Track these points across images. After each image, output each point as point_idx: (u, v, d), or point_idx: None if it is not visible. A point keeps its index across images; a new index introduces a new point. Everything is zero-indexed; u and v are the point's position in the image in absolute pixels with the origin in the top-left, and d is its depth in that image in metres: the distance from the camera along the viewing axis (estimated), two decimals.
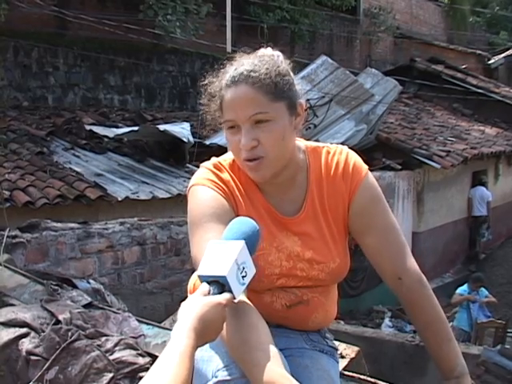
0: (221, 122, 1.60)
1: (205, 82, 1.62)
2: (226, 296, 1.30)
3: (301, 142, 1.68)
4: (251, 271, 1.36)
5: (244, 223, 1.41)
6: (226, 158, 1.65)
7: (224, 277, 1.29)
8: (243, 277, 1.33)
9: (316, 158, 1.66)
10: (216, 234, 1.47)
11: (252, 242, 1.38)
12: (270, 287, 1.61)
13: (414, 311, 1.65)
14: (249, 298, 1.42)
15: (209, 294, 1.31)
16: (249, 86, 1.49)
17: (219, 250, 1.34)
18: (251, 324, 1.32)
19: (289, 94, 1.55)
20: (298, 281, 1.62)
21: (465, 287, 8.44)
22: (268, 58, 1.55)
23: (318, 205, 1.63)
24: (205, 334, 1.26)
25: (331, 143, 1.75)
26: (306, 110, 1.62)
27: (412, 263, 1.64)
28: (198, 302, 1.28)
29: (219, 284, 1.31)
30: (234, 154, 1.59)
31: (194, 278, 1.77)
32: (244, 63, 1.54)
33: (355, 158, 1.65)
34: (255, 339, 1.28)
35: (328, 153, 1.67)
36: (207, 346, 1.47)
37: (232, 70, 1.54)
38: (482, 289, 8.45)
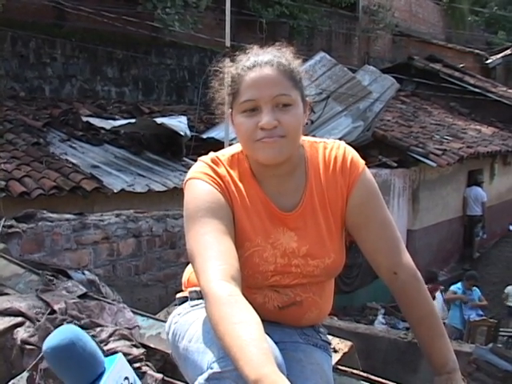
0: (224, 111, 1.63)
1: (217, 67, 1.64)
2: None
3: None
4: None
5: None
6: (225, 153, 1.65)
7: None
8: None
9: (314, 153, 1.67)
10: (211, 229, 1.48)
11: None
12: (264, 284, 1.61)
13: (407, 306, 1.67)
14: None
15: None
16: (274, 68, 1.54)
17: None
18: (244, 320, 1.31)
19: (302, 87, 1.60)
20: (292, 278, 1.62)
21: (459, 285, 8.48)
22: (286, 51, 1.61)
23: (317, 199, 1.64)
24: None
25: (328, 139, 1.76)
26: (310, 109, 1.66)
27: (407, 258, 1.65)
28: None
29: None
30: (245, 139, 1.57)
31: (188, 272, 1.78)
32: (264, 52, 1.59)
33: (353, 153, 1.67)
34: (248, 335, 1.28)
35: (325, 148, 1.68)
36: (203, 337, 1.47)
37: (252, 56, 1.57)
38: (476, 289, 8.48)
